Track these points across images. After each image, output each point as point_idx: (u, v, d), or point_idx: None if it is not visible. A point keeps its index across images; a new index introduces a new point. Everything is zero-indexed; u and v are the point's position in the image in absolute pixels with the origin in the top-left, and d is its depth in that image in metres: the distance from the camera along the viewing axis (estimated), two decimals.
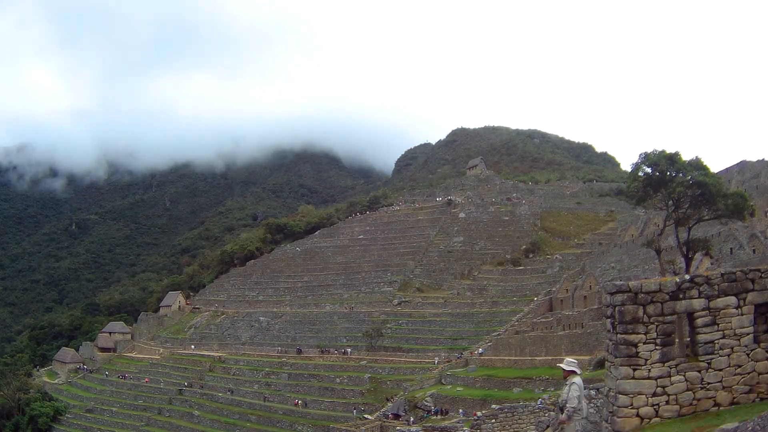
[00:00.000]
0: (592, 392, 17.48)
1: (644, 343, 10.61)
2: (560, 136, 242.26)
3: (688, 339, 11.36)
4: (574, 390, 11.12)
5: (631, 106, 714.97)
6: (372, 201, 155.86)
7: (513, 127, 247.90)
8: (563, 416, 11.17)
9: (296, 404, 71.29)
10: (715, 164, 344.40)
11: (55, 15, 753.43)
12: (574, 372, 11.53)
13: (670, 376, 10.64)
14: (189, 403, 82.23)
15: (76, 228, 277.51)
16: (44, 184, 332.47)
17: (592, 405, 17.13)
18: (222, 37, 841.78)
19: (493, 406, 30.15)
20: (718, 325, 10.75)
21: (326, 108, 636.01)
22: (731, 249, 54.06)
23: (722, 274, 10.90)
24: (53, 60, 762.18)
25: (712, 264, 51.14)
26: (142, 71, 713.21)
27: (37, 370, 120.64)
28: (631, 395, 10.61)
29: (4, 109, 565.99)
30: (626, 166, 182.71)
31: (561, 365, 11.85)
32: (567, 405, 11.14)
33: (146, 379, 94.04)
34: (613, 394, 10.93)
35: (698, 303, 10.74)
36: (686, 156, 42.74)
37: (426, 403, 55.91)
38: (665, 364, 10.63)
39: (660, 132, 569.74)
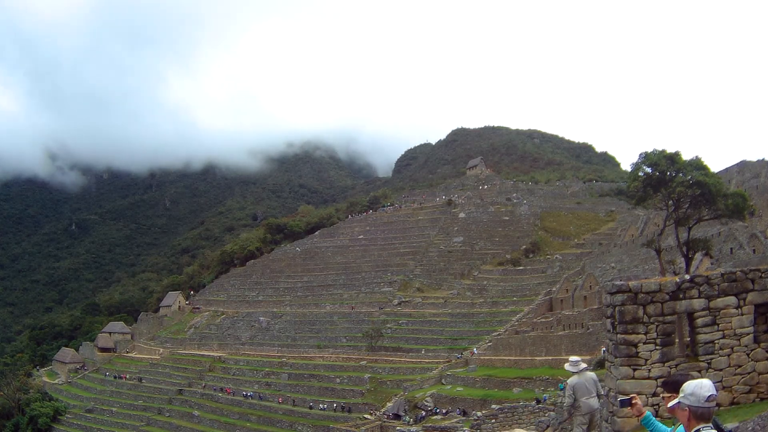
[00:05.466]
0: None
1: (644, 343, 10.60)
2: (560, 136, 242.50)
3: (688, 339, 11.35)
4: (567, 390, 11.39)
5: (631, 106, 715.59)
6: (372, 201, 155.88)
7: (513, 127, 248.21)
8: (565, 414, 11.49)
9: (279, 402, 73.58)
10: (715, 164, 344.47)
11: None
12: (573, 372, 11.77)
13: None
14: (189, 403, 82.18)
15: (76, 228, 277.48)
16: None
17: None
18: (223, 38, 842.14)
19: (493, 406, 30.14)
20: (718, 325, 10.74)
21: (326, 108, 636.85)
22: (731, 249, 54.01)
23: (722, 274, 10.89)
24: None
25: (712, 264, 51.09)
26: (143, 71, 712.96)
27: (37, 370, 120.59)
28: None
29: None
30: (626, 166, 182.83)
31: (566, 366, 12.14)
32: (564, 405, 11.47)
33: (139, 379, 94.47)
34: (613, 394, 10.93)
35: (698, 303, 10.73)
36: (686, 156, 42.82)
37: (426, 403, 55.88)
38: (665, 364, 10.62)
39: (660, 132, 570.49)
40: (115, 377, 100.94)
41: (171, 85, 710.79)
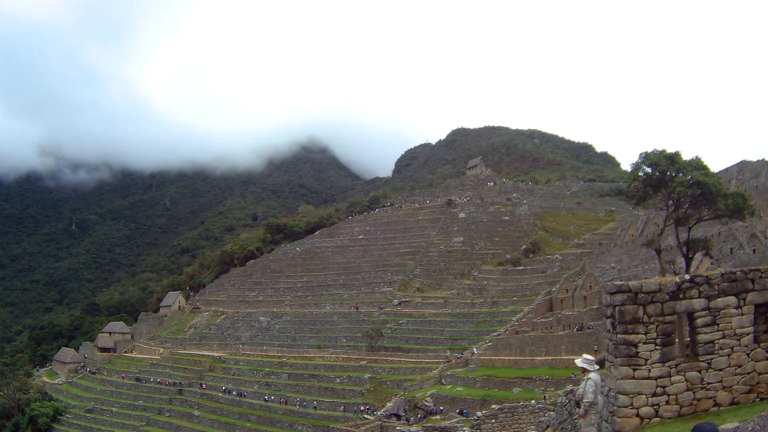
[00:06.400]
0: None
1: (644, 343, 10.59)
2: (560, 136, 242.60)
3: (688, 339, 11.34)
4: (590, 385, 11.35)
5: (631, 106, 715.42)
6: (372, 201, 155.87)
7: (513, 127, 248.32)
8: (580, 411, 11.42)
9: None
10: (715, 164, 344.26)
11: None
12: (586, 368, 11.75)
13: (670, 376, 10.61)
14: (189, 403, 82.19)
15: (76, 228, 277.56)
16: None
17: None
18: (220, 35, 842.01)
19: (493, 406, 30.10)
20: (718, 325, 10.73)
21: (326, 108, 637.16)
22: (731, 249, 54.02)
23: (722, 274, 10.87)
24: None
25: (712, 264, 51.12)
26: (142, 70, 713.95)
27: (37, 370, 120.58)
28: (631, 395, 10.59)
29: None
30: (626, 166, 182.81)
31: (577, 361, 12.12)
32: (583, 400, 11.38)
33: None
34: (613, 394, 10.92)
35: (698, 303, 10.71)
36: (686, 156, 42.82)
37: (426, 403, 55.85)
38: (665, 364, 10.60)
39: (660, 132, 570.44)
40: (87, 369, 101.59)
41: (164, 84, 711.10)
